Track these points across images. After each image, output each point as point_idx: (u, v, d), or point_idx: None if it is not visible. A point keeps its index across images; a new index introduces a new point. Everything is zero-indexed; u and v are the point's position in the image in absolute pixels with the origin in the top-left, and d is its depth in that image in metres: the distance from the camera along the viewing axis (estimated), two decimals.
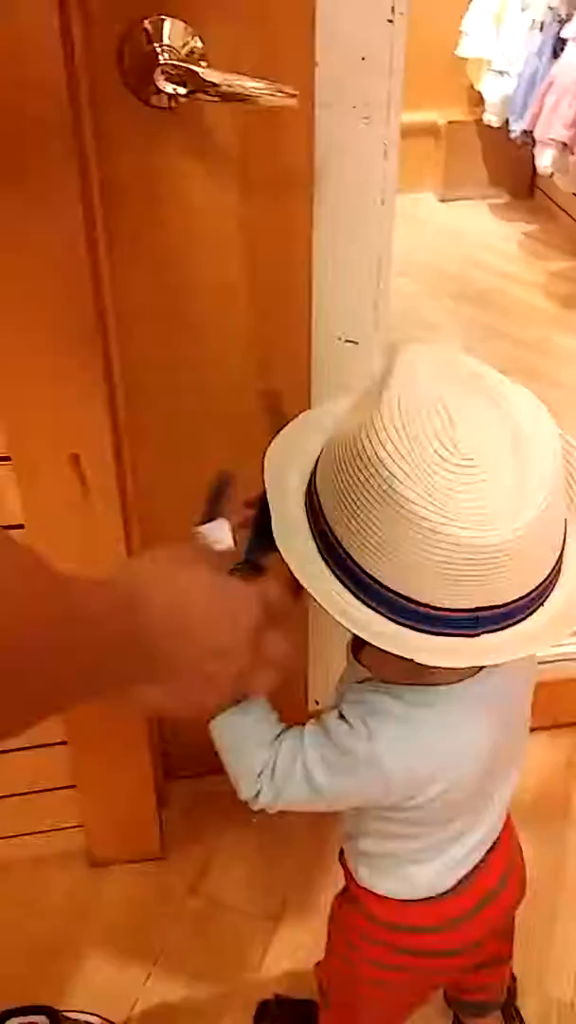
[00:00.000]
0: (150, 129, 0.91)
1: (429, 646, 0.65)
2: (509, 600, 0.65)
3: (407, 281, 2.97)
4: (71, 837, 1.40)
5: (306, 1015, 1.11)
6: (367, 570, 0.65)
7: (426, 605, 0.64)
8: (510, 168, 3.55)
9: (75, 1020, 1.17)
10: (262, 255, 1.02)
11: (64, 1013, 1.15)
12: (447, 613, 0.65)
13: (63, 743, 1.27)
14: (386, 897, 0.88)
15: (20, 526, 1.03)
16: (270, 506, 0.71)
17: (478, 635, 0.66)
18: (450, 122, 3.52)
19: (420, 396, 0.65)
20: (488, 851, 0.88)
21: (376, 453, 0.63)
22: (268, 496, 0.72)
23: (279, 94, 0.84)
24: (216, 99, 0.84)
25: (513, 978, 1.20)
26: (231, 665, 0.61)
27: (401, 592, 0.65)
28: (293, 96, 0.84)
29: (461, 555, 0.62)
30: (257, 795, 0.79)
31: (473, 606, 0.65)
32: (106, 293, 0.97)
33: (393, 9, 0.88)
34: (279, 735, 0.79)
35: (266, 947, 1.32)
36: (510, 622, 0.67)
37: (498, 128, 3.18)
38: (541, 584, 0.67)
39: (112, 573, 0.57)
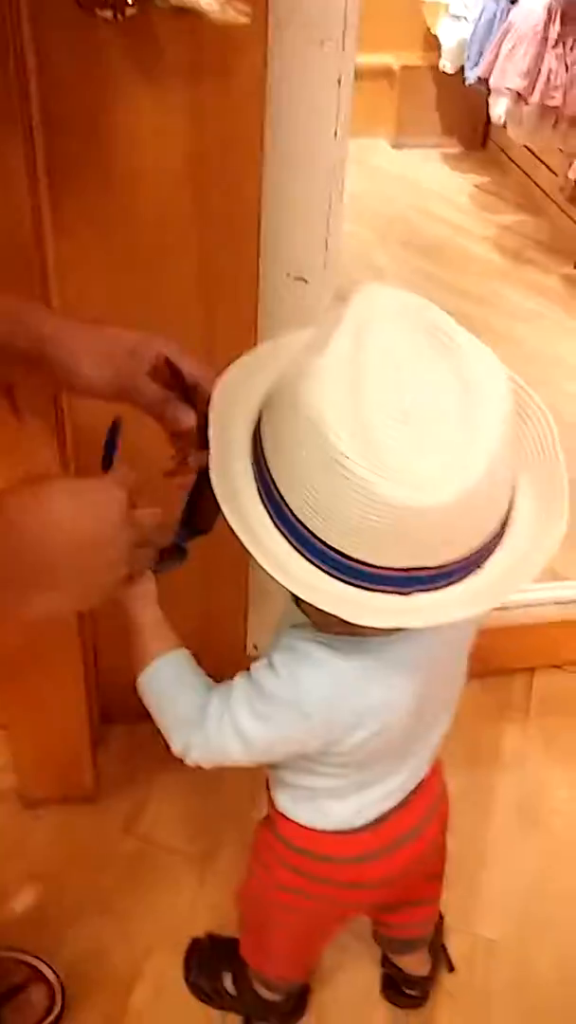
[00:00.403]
0: (93, 42, 0.87)
1: (357, 600, 0.64)
2: (446, 562, 0.64)
3: (356, 227, 2.94)
4: (3, 776, 1.39)
5: (237, 952, 1.13)
6: (304, 522, 0.64)
7: (358, 561, 0.63)
8: (464, 117, 3.51)
9: (4, 957, 1.17)
10: (210, 185, 0.98)
11: None
12: (379, 571, 0.63)
13: None
14: (301, 824, 0.89)
15: None
16: (211, 456, 0.69)
17: (409, 594, 0.64)
18: (405, 67, 3.44)
19: (370, 344, 0.62)
20: (410, 793, 0.89)
21: (315, 403, 0.61)
22: (211, 448, 0.69)
23: (232, 11, 0.80)
24: (165, 11, 0.80)
25: (440, 917, 1.23)
26: (107, 552, 0.65)
27: (335, 546, 0.63)
28: (246, 14, 0.80)
29: (395, 516, 0.60)
30: (187, 748, 0.79)
31: (407, 566, 0.63)
32: (46, 220, 0.93)
33: None
34: (208, 688, 0.79)
35: (199, 886, 1.33)
36: (444, 583, 0.65)
37: (453, 75, 3.13)
38: (481, 547, 0.66)
39: None
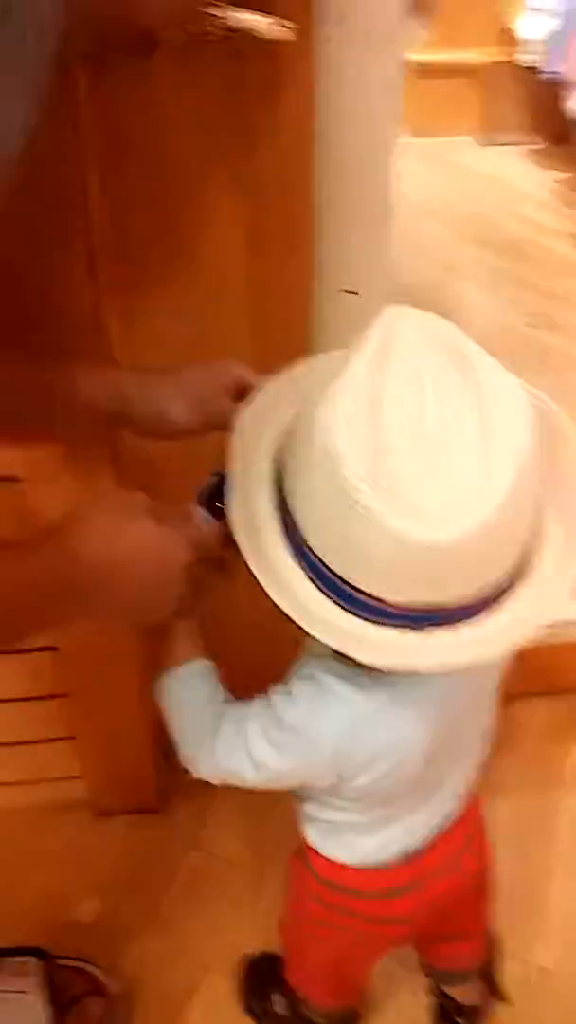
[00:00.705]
0: (143, 67, 0.86)
1: (365, 636, 0.62)
2: (460, 598, 0.62)
3: (436, 224, 2.91)
4: (75, 786, 1.41)
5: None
6: (316, 552, 0.63)
7: (368, 595, 0.61)
8: (547, 112, 3.42)
9: (65, 966, 1.18)
10: (264, 203, 0.97)
11: (56, 959, 1.16)
12: (388, 607, 0.61)
13: (64, 695, 1.27)
14: (328, 858, 0.88)
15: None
16: (229, 481, 0.69)
17: (422, 629, 0.62)
18: (487, 63, 3.38)
19: (390, 370, 0.61)
20: (441, 829, 0.87)
21: (330, 431, 0.59)
22: (230, 471, 0.69)
23: (277, 28, 0.79)
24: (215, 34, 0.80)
25: (494, 945, 1.19)
26: (163, 597, 0.68)
27: (346, 578, 0.61)
28: (292, 30, 0.79)
29: (405, 549, 0.58)
30: (194, 762, 0.78)
31: (418, 601, 0.61)
32: (102, 233, 0.93)
33: None
34: (224, 704, 0.78)
35: (257, 902, 1.31)
36: (459, 622, 0.63)
37: (534, 70, 3.05)
38: (499, 582, 0.63)
39: (64, 524, 0.64)
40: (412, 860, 0.86)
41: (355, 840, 0.86)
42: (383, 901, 0.89)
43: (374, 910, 0.90)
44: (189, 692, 0.79)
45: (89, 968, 1.20)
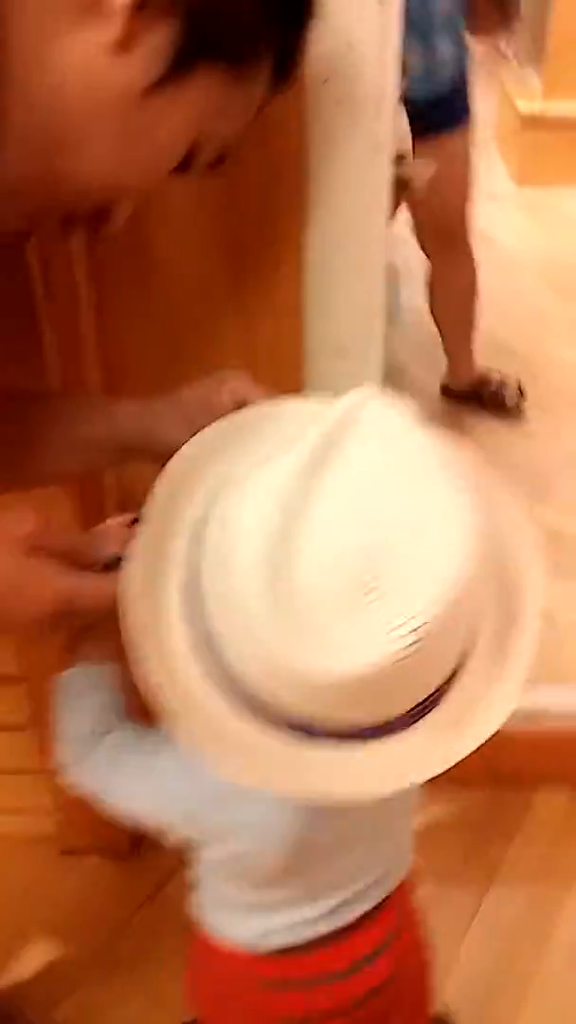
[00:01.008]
0: None
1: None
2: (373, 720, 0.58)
3: (532, 276, 2.87)
4: (44, 820, 1.39)
5: None
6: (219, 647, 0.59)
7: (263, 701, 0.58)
8: None
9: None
10: (249, 260, 0.95)
11: None
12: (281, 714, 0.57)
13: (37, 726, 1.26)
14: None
15: None
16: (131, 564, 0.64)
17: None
18: None
19: (324, 474, 0.57)
20: (343, 929, 0.80)
21: (241, 535, 0.56)
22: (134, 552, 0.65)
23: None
24: None
25: None
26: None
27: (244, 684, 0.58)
28: None
29: (303, 680, 0.54)
30: (67, 769, 0.76)
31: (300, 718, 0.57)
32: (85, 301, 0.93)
33: None
34: (114, 721, 0.75)
35: None
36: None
37: None
38: (416, 705, 0.59)
39: None
40: (295, 956, 0.80)
41: (231, 917, 0.82)
42: (263, 993, 0.83)
43: (254, 1000, 0.85)
44: (84, 695, 0.76)
45: (27, 1012, 1.18)
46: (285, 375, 1.02)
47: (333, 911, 0.80)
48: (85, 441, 0.79)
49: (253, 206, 0.91)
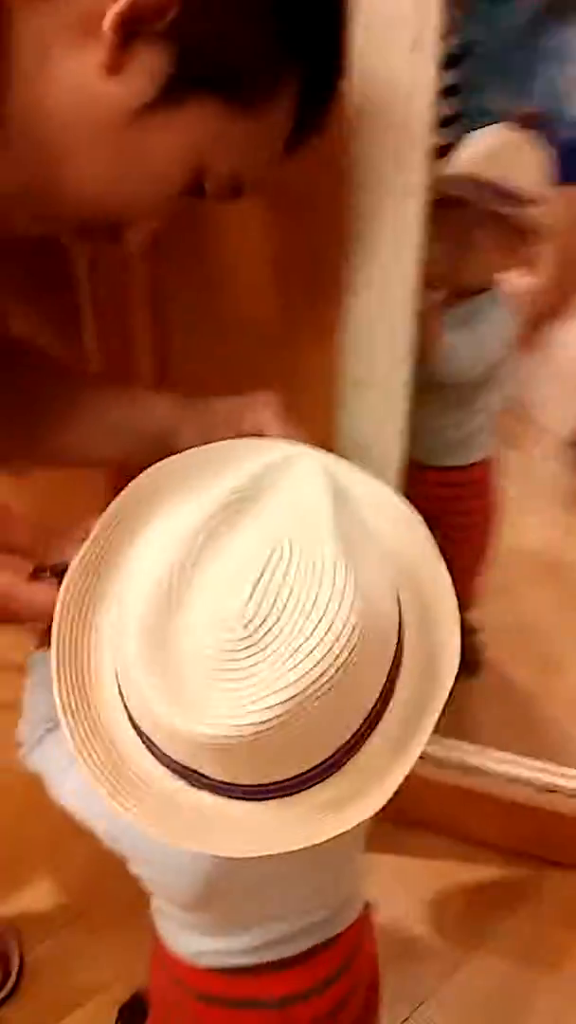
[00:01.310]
0: None
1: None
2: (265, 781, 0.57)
3: None
4: None
5: None
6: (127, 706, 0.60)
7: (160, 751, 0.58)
8: None
9: None
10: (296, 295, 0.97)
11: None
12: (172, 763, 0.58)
13: None
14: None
15: None
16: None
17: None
18: None
19: (230, 533, 0.57)
20: (283, 961, 0.81)
21: (132, 591, 0.56)
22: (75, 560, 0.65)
23: None
24: None
25: None
26: None
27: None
28: None
29: (191, 744, 0.54)
30: (27, 749, 0.77)
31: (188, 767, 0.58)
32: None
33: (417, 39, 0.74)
34: None
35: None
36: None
37: None
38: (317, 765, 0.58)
39: None
40: (226, 977, 0.81)
41: (171, 928, 0.83)
42: (200, 1004, 0.84)
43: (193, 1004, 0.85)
44: (46, 683, 0.75)
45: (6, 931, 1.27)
46: (319, 407, 1.02)
47: (260, 947, 0.80)
48: (120, 427, 0.80)
49: (300, 251, 0.94)
